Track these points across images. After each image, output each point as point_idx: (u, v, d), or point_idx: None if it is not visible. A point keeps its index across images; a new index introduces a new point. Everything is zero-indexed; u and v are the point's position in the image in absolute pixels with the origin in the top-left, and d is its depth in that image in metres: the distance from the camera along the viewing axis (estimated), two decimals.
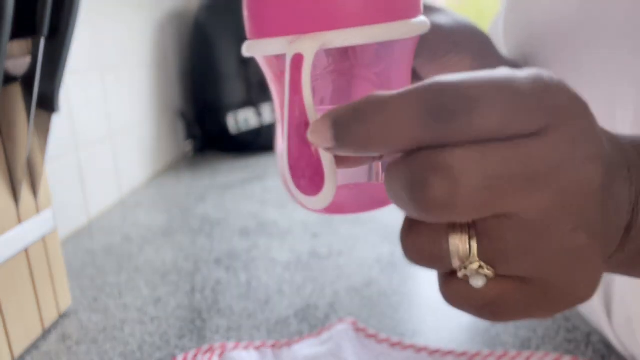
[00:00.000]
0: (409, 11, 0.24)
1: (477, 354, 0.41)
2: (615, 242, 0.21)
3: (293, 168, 0.23)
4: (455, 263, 0.19)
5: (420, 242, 0.20)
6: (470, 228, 0.19)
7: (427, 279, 0.56)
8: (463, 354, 0.42)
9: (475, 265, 0.19)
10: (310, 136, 0.20)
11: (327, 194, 0.22)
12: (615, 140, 0.21)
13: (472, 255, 0.19)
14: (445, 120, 0.17)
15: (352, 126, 0.19)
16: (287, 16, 0.23)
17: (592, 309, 0.45)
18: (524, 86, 0.18)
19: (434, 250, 0.19)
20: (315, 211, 0.24)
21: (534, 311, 0.20)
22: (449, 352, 0.42)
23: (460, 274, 0.19)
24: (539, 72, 0.19)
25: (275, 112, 0.27)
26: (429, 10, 0.35)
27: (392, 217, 0.75)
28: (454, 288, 0.20)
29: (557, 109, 0.18)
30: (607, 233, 0.20)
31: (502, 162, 0.17)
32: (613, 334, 0.42)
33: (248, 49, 0.26)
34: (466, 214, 0.18)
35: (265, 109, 1.16)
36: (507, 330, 0.46)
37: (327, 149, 0.20)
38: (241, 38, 0.27)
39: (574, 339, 0.44)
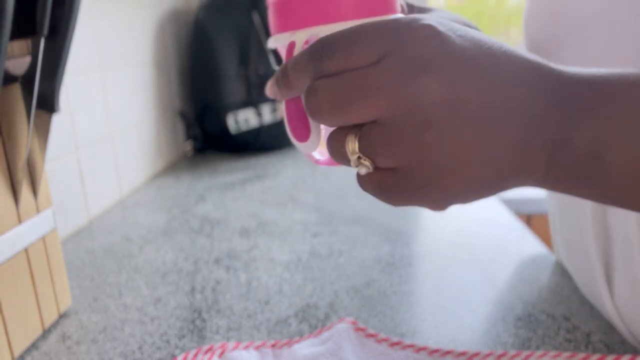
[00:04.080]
0: (377, 12, 0.32)
1: (476, 354, 0.41)
2: (528, 152, 0.26)
3: (290, 123, 0.32)
4: (350, 157, 0.28)
5: (332, 144, 0.29)
6: (357, 132, 0.28)
7: (427, 279, 0.56)
8: (462, 353, 0.42)
9: (355, 157, 0.28)
10: (269, 91, 0.32)
11: (313, 141, 0.31)
12: (541, 71, 0.27)
13: (355, 150, 0.28)
14: (316, 62, 0.27)
15: (281, 79, 0.30)
16: (290, 19, 0.32)
17: (593, 281, 0.46)
18: (367, 30, 0.27)
19: (340, 149, 0.29)
20: (312, 159, 0.35)
21: (412, 197, 0.28)
22: (449, 352, 0.42)
23: (352, 166, 0.28)
24: (383, 19, 0.27)
25: None
26: (431, 11, 0.40)
27: (392, 217, 0.75)
28: (358, 177, 0.30)
29: (393, 43, 0.26)
30: (495, 138, 0.26)
31: (343, 84, 0.26)
32: (614, 309, 0.44)
33: (269, 42, 0.35)
34: (331, 119, 0.27)
35: (265, 109, 1.16)
36: (507, 330, 0.46)
37: (282, 97, 0.31)
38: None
39: (574, 339, 0.44)
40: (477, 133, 0.26)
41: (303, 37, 0.31)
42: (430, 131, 0.25)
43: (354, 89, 0.26)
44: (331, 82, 0.27)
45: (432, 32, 0.26)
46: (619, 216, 0.41)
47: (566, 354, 0.41)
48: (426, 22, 0.26)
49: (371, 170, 0.28)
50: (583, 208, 0.45)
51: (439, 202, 0.28)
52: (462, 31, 0.27)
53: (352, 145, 0.28)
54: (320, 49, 0.27)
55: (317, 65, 0.27)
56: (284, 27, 0.33)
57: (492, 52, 0.26)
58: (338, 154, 0.29)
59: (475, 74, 0.26)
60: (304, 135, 0.32)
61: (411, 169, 0.27)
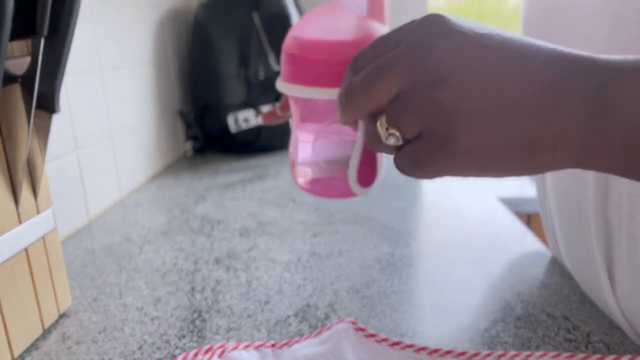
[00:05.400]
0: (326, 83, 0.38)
1: (476, 354, 0.41)
2: (557, 115, 0.25)
3: (361, 173, 0.37)
4: (381, 132, 0.30)
5: (368, 129, 0.33)
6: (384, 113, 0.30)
7: (427, 279, 0.56)
8: (462, 353, 0.42)
9: (384, 130, 0.30)
10: (343, 120, 0.35)
11: (377, 182, 0.37)
12: (567, 57, 0.27)
13: (383, 123, 0.30)
14: (351, 67, 0.32)
15: (344, 100, 0.33)
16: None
17: (594, 276, 0.46)
18: (386, 34, 0.31)
19: (373, 130, 0.31)
20: (353, 195, 0.39)
21: (441, 160, 0.28)
22: (449, 352, 0.42)
23: (384, 140, 0.30)
24: (405, 24, 0.31)
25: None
26: None
27: (392, 217, 0.75)
28: (395, 159, 0.31)
29: (404, 32, 0.30)
30: (512, 92, 0.26)
31: (368, 72, 0.30)
32: (615, 304, 0.44)
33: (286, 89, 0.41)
34: (364, 104, 0.30)
35: (265, 109, 1.16)
36: (507, 330, 0.46)
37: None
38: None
39: (574, 339, 0.44)
40: (492, 86, 0.26)
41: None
42: (444, 87, 0.26)
43: (376, 72, 0.29)
44: (360, 75, 0.31)
45: (436, 17, 0.29)
46: (624, 211, 0.41)
47: (566, 354, 0.41)
48: (432, 13, 0.30)
49: (400, 140, 0.29)
50: (584, 204, 0.45)
51: (468, 165, 0.27)
52: (465, 19, 0.29)
53: (381, 121, 0.30)
54: (353, 61, 0.32)
55: (352, 69, 0.32)
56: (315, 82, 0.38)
57: (500, 32, 0.28)
58: (372, 138, 0.32)
59: (480, 39, 0.27)
60: (369, 181, 0.37)
61: (433, 129, 0.27)
